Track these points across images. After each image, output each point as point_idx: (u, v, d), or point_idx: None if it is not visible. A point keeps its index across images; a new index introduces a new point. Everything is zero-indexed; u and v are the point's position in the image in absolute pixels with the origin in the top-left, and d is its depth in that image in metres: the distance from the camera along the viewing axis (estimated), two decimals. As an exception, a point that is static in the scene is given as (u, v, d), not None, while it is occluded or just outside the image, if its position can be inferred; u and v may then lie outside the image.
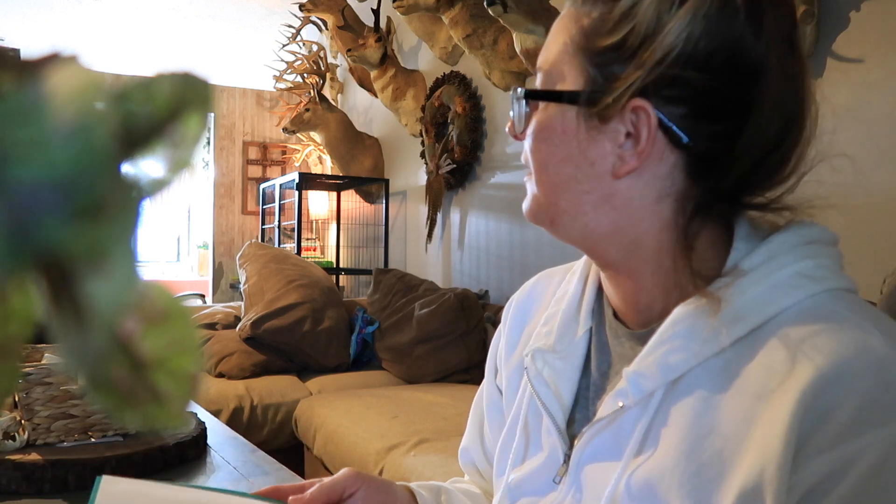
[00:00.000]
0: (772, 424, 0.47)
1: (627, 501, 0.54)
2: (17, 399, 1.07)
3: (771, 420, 0.47)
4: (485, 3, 2.39)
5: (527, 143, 0.60)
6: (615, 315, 0.63)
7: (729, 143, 0.53)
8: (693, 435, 0.51)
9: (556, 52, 0.57)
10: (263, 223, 4.85)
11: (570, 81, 0.56)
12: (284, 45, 4.29)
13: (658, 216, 0.56)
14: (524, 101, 0.59)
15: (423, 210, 3.68)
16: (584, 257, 0.71)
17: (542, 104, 0.58)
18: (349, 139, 4.20)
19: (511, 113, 0.61)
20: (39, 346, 1.19)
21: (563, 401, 0.63)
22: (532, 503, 0.62)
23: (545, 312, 0.70)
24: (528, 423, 0.67)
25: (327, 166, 5.03)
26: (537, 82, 0.60)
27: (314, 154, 5.13)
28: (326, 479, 0.69)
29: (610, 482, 0.55)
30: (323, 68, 4.20)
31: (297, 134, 4.27)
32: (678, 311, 0.54)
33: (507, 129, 0.63)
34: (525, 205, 0.63)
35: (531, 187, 0.61)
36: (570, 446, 0.61)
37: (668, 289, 0.57)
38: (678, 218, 0.55)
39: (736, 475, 0.48)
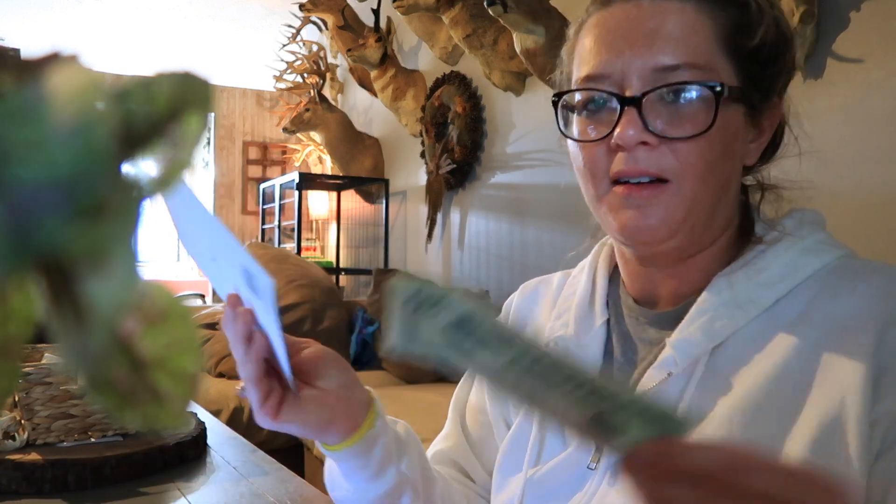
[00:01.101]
0: (847, 361, 0.50)
1: None
2: (17, 399, 1.07)
3: (845, 357, 0.51)
4: (485, 3, 2.39)
5: (688, 145, 0.54)
6: (636, 301, 0.65)
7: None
8: (747, 389, 0.53)
9: (703, 47, 0.55)
10: (263, 223, 4.85)
11: (730, 76, 0.56)
12: (284, 45, 4.28)
13: (736, 192, 0.61)
14: (711, 96, 0.54)
15: (423, 210, 3.68)
16: (589, 257, 0.71)
17: (721, 101, 0.54)
18: (349, 139, 4.20)
19: (637, 123, 0.54)
20: (39, 346, 1.19)
21: None
22: (563, 494, 0.62)
23: (554, 310, 0.71)
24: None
25: (327, 166, 5.03)
26: (682, 78, 0.54)
27: (314, 154, 5.13)
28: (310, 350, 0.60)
29: None
30: (323, 68, 4.20)
31: (297, 134, 4.27)
32: (717, 281, 0.58)
33: (638, 161, 0.55)
34: (645, 220, 0.56)
35: (667, 197, 0.55)
36: None
37: (712, 247, 0.61)
38: (738, 190, 0.62)
39: (809, 410, 0.51)
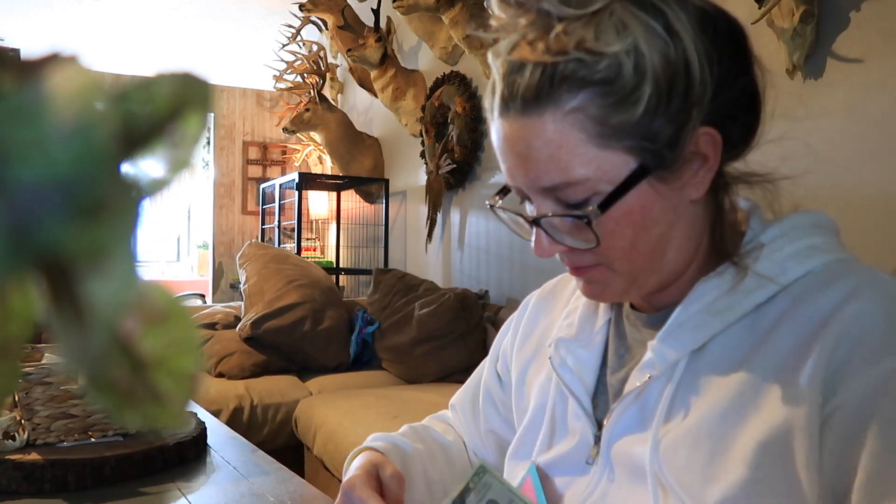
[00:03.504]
0: (805, 365, 0.51)
1: (660, 465, 0.56)
2: (17, 399, 1.07)
3: (805, 362, 0.51)
4: (485, 3, 2.39)
5: (598, 247, 0.55)
6: (632, 305, 0.67)
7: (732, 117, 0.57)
8: (720, 393, 0.55)
9: (574, 159, 0.52)
10: (263, 223, 4.85)
11: (619, 166, 0.53)
12: (284, 45, 4.28)
13: (704, 207, 0.60)
14: (592, 217, 0.54)
15: (423, 210, 3.68)
16: None
17: (601, 216, 0.54)
18: (349, 139, 4.20)
19: (546, 239, 0.57)
20: (39, 346, 1.19)
21: (588, 386, 0.66)
22: (566, 485, 0.65)
23: (565, 308, 0.74)
24: (554, 411, 0.69)
25: (327, 166, 5.03)
26: (568, 196, 0.54)
27: (314, 154, 5.13)
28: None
29: (642, 453, 0.57)
30: (323, 68, 4.20)
31: (297, 134, 4.27)
32: (698, 287, 0.59)
33: (565, 259, 0.59)
34: (595, 291, 0.60)
35: (605, 275, 0.59)
36: (598, 428, 0.64)
37: (690, 268, 0.61)
38: (710, 201, 0.60)
39: (759, 421, 0.52)
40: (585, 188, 0.53)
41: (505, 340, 0.82)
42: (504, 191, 0.65)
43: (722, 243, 0.60)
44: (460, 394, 0.90)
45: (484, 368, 0.86)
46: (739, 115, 0.57)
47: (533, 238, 0.58)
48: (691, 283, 0.60)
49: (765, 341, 0.54)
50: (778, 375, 0.52)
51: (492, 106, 0.56)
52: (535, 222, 0.57)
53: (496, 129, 0.57)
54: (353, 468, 0.70)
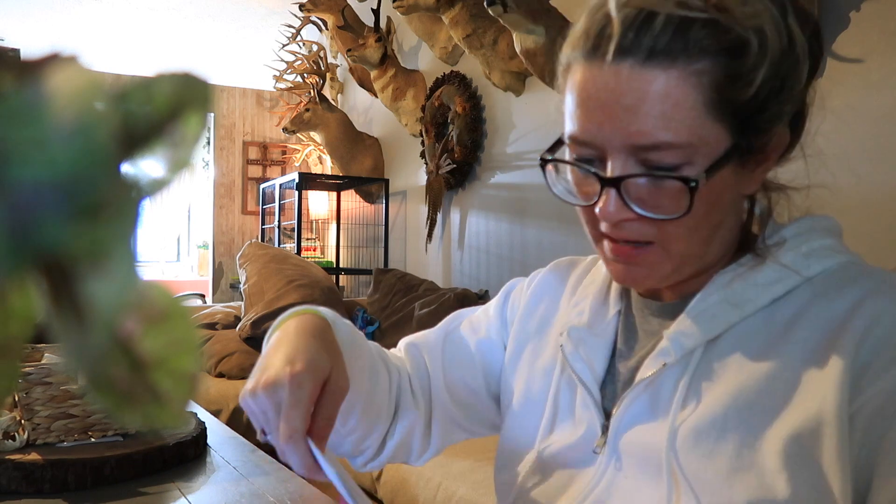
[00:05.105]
0: (831, 362, 0.52)
1: (676, 454, 0.56)
2: (17, 399, 1.07)
3: (830, 359, 0.52)
4: (485, 3, 2.39)
5: (683, 216, 0.53)
6: (641, 294, 0.67)
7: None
8: (741, 384, 0.55)
9: (685, 122, 0.52)
10: (263, 223, 4.85)
11: (718, 141, 0.53)
12: (284, 45, 4.29)
13: (735, 220, 0.61)
14: (701, 181, 0.52)
15: (423, 210, 3.68)
16: None
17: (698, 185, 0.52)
18: (349, 139, 4.20)
19: (617, 203, 0.54)
20: (39, 346, 1.19)
21: (597, 375, 0.66)
22: (571, 475, 0.65)
23: (573, 297, 0.74)
24: (557, 398, 0.69)
25: (327, 166, 5.03)
26: (662, 158, 0.53)
27: (314, 154, 5.13)
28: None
29: (655, 441, 0.58)
30: (323, 68, 4.20)
31: (297, 134, 4.27)
32: (717, 277, 0.60)
33: (621, 231, 0.56)
34: (640, 274, 0.58)
35: (657, 257, 0.57)
36: (606, 418, 0.64)
37: (711, 258, 0.61)
38: (738, 216, 0.61)
39: (793, 409, 0.52)
40: (683, 153, 0.52)
41: (508, 311, 0.80)
42: (554, 148, 0.61)
43: (748, 242, 0.61)
44: (429, 336, 0.84)
45: (481, 328, 0.81)
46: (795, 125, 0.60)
47: (601, 200, 0.55)
48: (711, 275, 0.61)
49: (786, 334, 0.55)
50: (804, 369, 0.53)
51: (595, 50, 0.53)
52: (612, 182, 0.54)
53: (596, 79, 0.53)
54: (303, 341, 0.62)
